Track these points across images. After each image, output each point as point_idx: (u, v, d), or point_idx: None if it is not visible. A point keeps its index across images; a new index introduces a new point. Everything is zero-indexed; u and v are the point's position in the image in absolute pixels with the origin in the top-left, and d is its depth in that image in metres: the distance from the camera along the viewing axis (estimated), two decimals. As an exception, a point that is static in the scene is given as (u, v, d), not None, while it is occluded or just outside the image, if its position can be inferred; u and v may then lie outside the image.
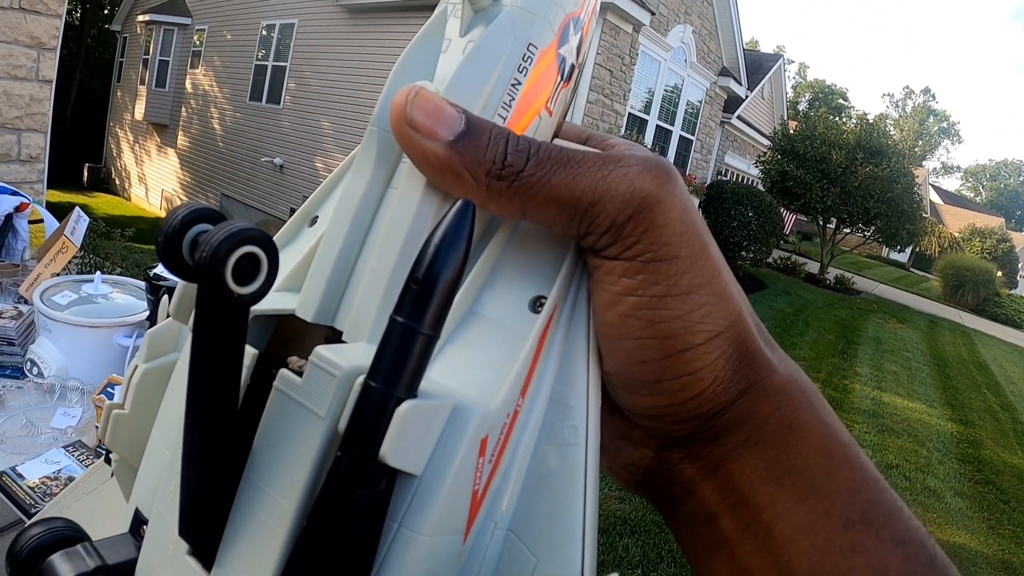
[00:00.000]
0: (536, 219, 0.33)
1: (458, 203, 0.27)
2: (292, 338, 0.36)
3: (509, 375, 0.32)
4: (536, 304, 0.34)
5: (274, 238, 0.38)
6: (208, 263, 0.24)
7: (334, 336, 0.34)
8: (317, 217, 0.40)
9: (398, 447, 0.25)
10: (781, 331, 10.68)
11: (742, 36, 14.93)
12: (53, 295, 2.11)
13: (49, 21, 6.05)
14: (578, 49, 0.38)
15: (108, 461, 0.40)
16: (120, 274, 4.70)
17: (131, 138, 18.61)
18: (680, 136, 13.77)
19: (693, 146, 14.42)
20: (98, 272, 2.23)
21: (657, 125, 12.85)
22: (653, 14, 11.32)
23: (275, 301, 0.35)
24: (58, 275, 2.49)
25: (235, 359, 0.27)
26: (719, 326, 0.33)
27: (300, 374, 0.29)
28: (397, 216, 0.34)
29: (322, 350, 0.28)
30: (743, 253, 14.27)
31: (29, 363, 2.00)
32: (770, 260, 17.32)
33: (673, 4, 12.52)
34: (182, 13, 16.83)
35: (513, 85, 0.34)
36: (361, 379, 0.26)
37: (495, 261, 0.35)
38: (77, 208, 3.10)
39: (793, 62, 72.01)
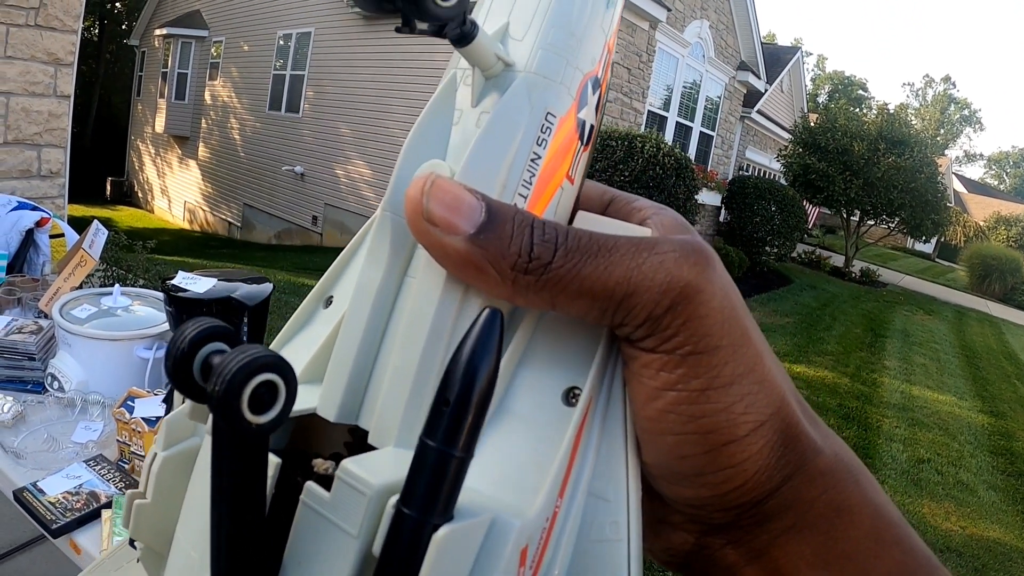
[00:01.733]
0: (567, 312, 0.31)
1: (485, 313, 0.25)
2: (316, 428, 0.35)
3: (547, 478, 0.30)
4: (570, 396, 0.32)
5: (289, 321, 0.39)
6: (223, 396, 0.23)
7: (358, 431, 0.33)
8: (332, 297, 0.38)
9: (437, 572, 0.24)
10: (808, 326, 10.62)
11: (759, 29, 14.84)
12: (72, 309, 2.11)
13: (65, 37, 6.10)
14: (597, 108, 0.36)
15: (132, 544, 0.38)
16: (143, 286, 4.73)
17: (152, 151, 18.80)
18: (700, 132, 13.72)
19: (714, 142, 14.38)
20: (116, 285, 2.23)
21: (677, 122, 12.81)
22: (669, 10, 11.28)
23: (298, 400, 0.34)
24: (77, 289, 2.50)
25: (256, 481, 0.26)
26: (763, 415, 0.31)
27: (326, 479, 0.28)
28: (417, 310, 0.32)
29: (349, 465, 0.27)
30: (767, 248, 14.21)
31: (50, 377, 2.00)
32: (794, 255, 17.19)
33: None
34: (199, 26, 16.97)
35: (533, 160, 0.32)
36: (394, 500, 0.25)
37: (524, 349, 0.33)
38: (95, 221, 3.11)
39: (811, 54, 71.76)
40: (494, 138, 0.32)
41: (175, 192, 17.74)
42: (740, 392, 0.30)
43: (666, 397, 0.30)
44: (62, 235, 5.02)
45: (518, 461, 0.31)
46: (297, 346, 0.39)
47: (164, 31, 17.18)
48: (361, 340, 0.33)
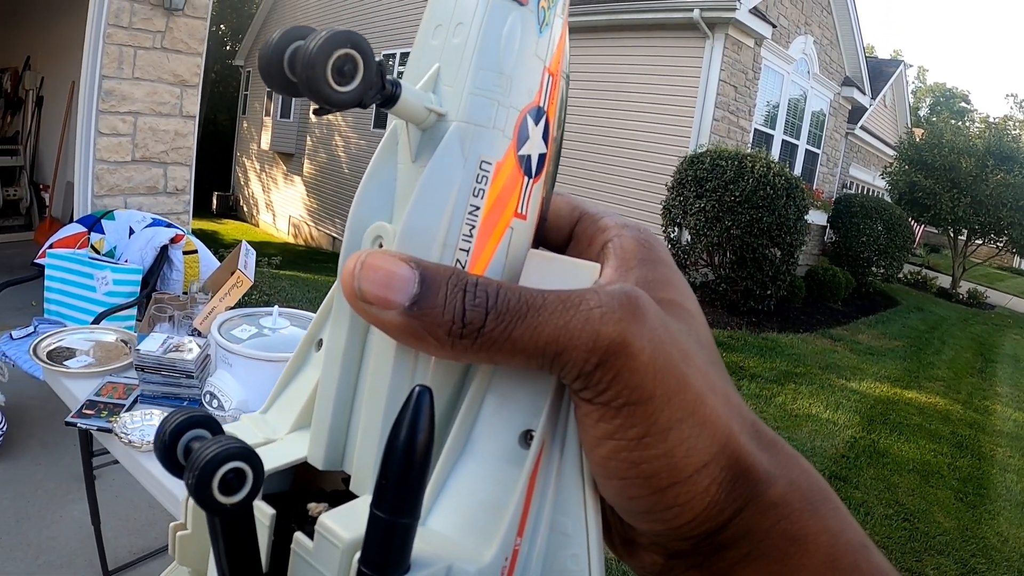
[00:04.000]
0: (508, 366, 0.32)
1: (415, 393, 0.27)
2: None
3: (504, 519, 0.32)
4: (526, 438, 0.33)
5: (287, 365, 0.42)
6: (196, 484, 0.27)
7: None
8: (323, 340, 0.39)
9: None
10: (916, 350, 10.33)
11: (863, 43, 14.53)
12: (231, 328, 2.15)
13: (190, 59, 6.34)
14: (546, 134, 0.36)
15: None
16: (268, 303, 4.86)
17: (257, 167, 19.30)
18: (806, 150, 13.45)
19: (819, 160, 14.08)
20: (276, 306, 2.28)
21: (783, 140, 12.59)
22: (774, 26, 11.11)
23: (290, 449, 0.37)
24: (232, 308, 2.60)
25: (245, 547, 0.30)
26: (707, 455, 0.31)
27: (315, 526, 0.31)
28: (378, 370, 0.34)
29: (326, 519, 0.30)
30: (873, 269, 13.84)
31: (208, 395, 2.05)
32: (900, 275, 16.73)
33: (793, 15, 12.26)
34: (305, 46, 17.33)
35: (471, 212, 0.33)
36: (358, 556, 0.28)
37: (484, 394, 0.34)
38: (244, 243, 3.22)
39: (912, 66, 69.51)
40: (429, 198, 0.32)
41: (280, 206, 18.17)
42: (679, 437, 0.31)
43: (607, 445, 0.31)
44: (195, 251, 5.23)
45: (479, 503, 0.33)
46: (291, 393, 0.41)
47: (270, 51, 17.64)
48: (335, 396, 0.36)
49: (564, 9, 0.36)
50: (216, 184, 20.24)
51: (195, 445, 0.28)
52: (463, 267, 0.33)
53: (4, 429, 3.67)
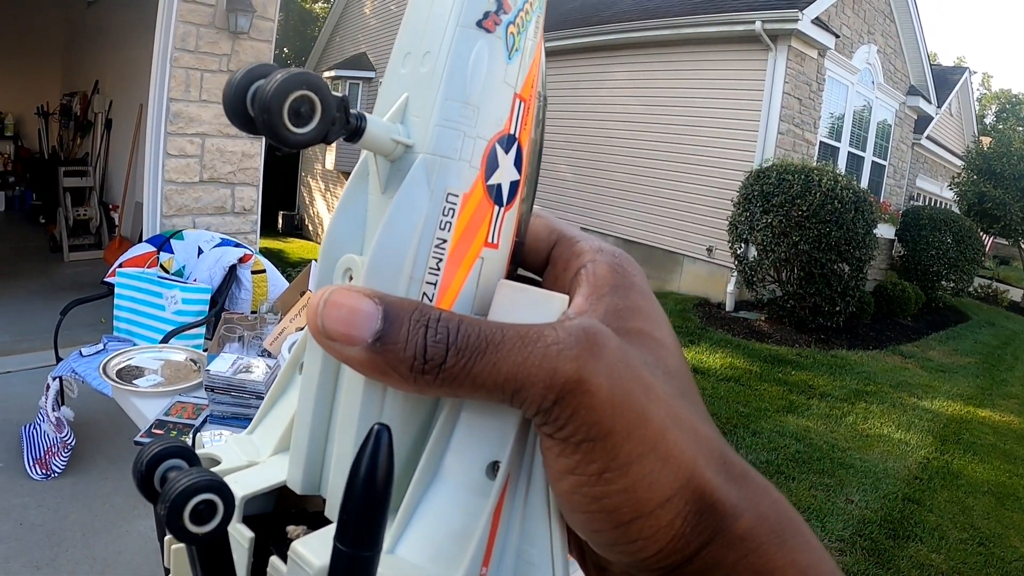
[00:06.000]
0: (471, 400, 0.33)
1: (373, 431, 0.28)
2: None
3: (469, 548, 0.32)
4: (493, 469, 0.34)
5: (272, 386, 0.43)
6: (167, 515, 0.28)
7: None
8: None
9: None
10: (989, 366, 10.08)
11: (928, 51, 14.25)
12: None
13: (256, 82, 6.46)
14: (518, 160, 0.36)
15: None
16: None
17: (322, 187, 19.59)
18: (872, 162, 13.22)
19: (886, 172, 13.82)
20: None
21: (849, 152, 12.39)
22: (837, 36, 10.97)
23: (271, 473, 0.38)
24: (302, 329, 2.60)
25: (220, 570, 0.32)
26: (670, 490, 0.31)
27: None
28: (348, 401, 0.34)
29: (298, 545, 0.32)
30: (942, 283, 13.52)
31: None
32: (970, 289, 16.33)
33: (856, 24, 12.09)
34: (366, 67, 17.64)
35: (438, 246, 0.33)
36: None
37: (453, 424, 0.34)
38: (313, 263, 3.26)
39: (976, 73, 68.16)
40: (395, 231, 0.32)
41: (342, 226, 18.42)
42: (641, 472, 0.31)
43: (568, 479, 0.31)
44: (263, 271, 5.30)
45: (446, 532, 0.33)
46: (276, 415, 0.42)
47: (332, 73, 17.93)
48: (311, 422, 0.36)
49: (537, 32, 0.36)
50: (282, 203, 20.57)
51: (171, 475, 0.30)
52: (431, 300, 0.33)
53: (73, 444, 3.75)
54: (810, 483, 5.05)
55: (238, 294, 5.01)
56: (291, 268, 8.53)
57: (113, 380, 2.49)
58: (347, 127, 0.31)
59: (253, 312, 3.59)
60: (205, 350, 3.12)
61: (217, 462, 0.39)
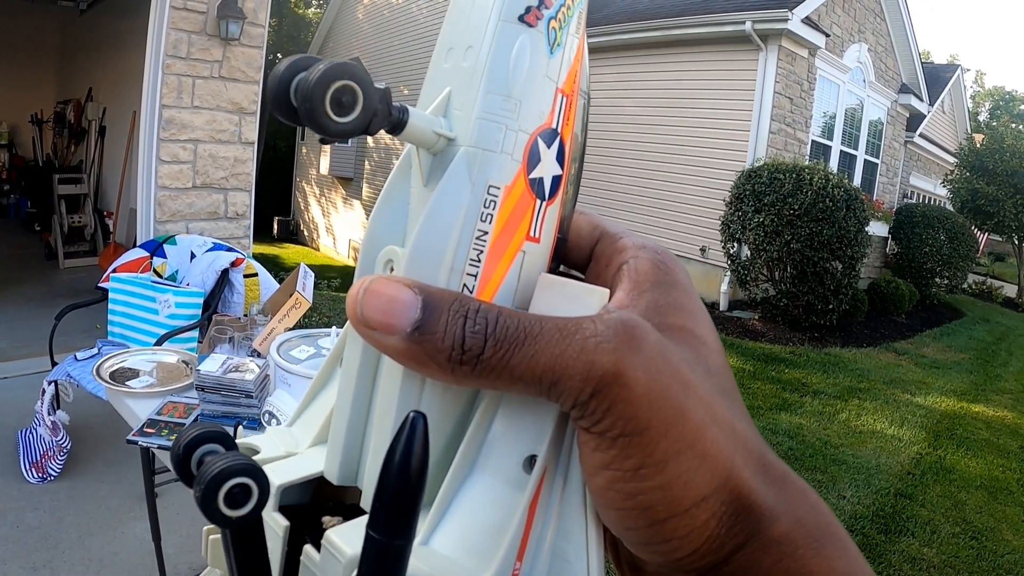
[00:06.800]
0: (508, 392, 0.33)
1: (409, 419, 0.27)
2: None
3: (504, 543, 0.32)
4: (530, 462, 0.34)
5: (314, 380, 0.43)
6: (202, 498, 0.28)
7: None
8: None
9: None
10: (983, 362, 10.08)
11: (919, 49, 14.28)
12: (290, 349, 2.20)
13: (248, 87, 6.48)
14: (560, 155, 0.36)
15: None
16: (327, 325, 4.92)
17: (317, 192, 19.59)
18: (865, 160, 13.24)
19: (878, 170, 13.84)
20: (334, 327, 2.31)
21: (841, 150, 12.42)
22: (828, 36, 10.99)
23: (308, 464, 0.39)
24: (291, 330, 2.63)
25: (255, 556, 0.32)
26: (706, 489, 0.31)
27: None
28: (386, 392, 0.35)
29: (331, 534, 0.32)
30: (936, 280, 13.54)
31: (267, 415, 2.08)
32: (964, 285, 16.34)
33: (846, 23, 12.11)
34: (359, 71, 17.62)
35: (479, 238, 0.33)
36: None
37: (491, 417, 0.34)
38: (302, 264, 3.27)
39: (969, 70, 68.21)
40: (436, 222, 0.32)
41: (340, 230, 18.39)
42: (677, 469, 0.30)
43: (603, 475, 0.31)
44: (255, 275, 5.31)
45: (481, 525, 0.33)
46: (316, 407, 0.43)
47: (326, 78, 17.94)
48: (349, 414, 0.36)
49: (579, 28, 0.36)
50: (277, 209, 20.56)
51: (207, 459, 0.30)
52: (471, 292, 0.33)
53: (69, 447, 3.77)
54: (803, 479, 5.07)
55: (231, 298, 5.02)
56: (285, 273, 8.53)
57: (107, 382, 2.51)
58: (389, 119, 0.31)
59: (245, 315, 3.60)
60: (198, 353, 3.15)
61: (256, 452, 0.40)
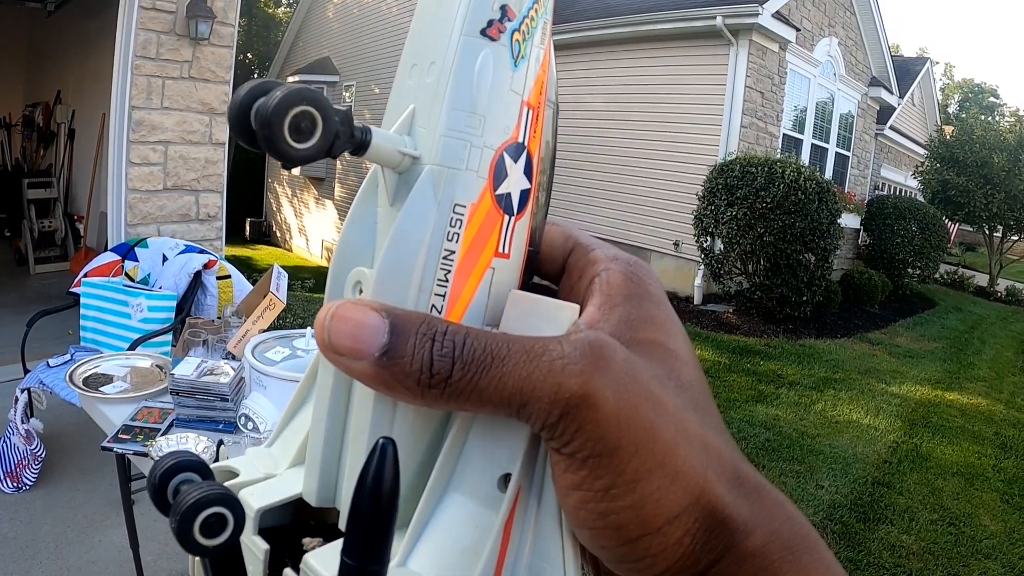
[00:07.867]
0: (479, 413, 0.33)
1: (378, 445, 0.28)
2: None
3: (480, 562, 0.32)
4: (505, 482, 0.33)
5: (291, 399, 0.43)
6: (177, 528, 0.29)
7: None
8: None
9: None
10: (956, 351, 10.19)
11: (888, 43, 14.41)
12: (265, 351, 2.17)
13: (218, 87, 6.44)
14: (528, 169, 0.35)
15: None
16: (303, 326, 4.91)
17: (289, 192, 19.50)
18: (836, 153, 13.35)
19: (850, 162, 13.96)
20: (309, 328, 2.29)
21: (812, 144, 12.51)
22: (798, 30, 11.06)
23: (288, 485, 0.38)
24: (266, 331, 2.61)
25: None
26: (679, 507, 0.31)
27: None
28: (359, 415, 0.35)
29: (310, 558, 0.33)
30: (909, 270, 13.67)
31: (243, 418, 2.06)
32: (936, 275, 16.51)
33: (816, 17, 12.21)
34: (330, 71, 17.59)
35: (446, 257, 0.33)
36: None
37: (465, 437, 0.34)
38: (276, 266, 3.25)
39: (938, 63, 68.85)
40: (402, 243, 0.32)
41: (312, 231, 18.32)
42: (649, 488, 0.30)
43: (575, 495, 0.31)
44: (228, 277, 5.28)
45: (456, 545, 0.33)
46: (294, 427, 0.42)
47: (296, 78, 17.81)
48: (324, 435, 0.36)
49: (544, 38, 0.35)
50: (249, 211, 20.46)
51: (183, 488, 0.30)
52: (440, 312, 0.33)
53: (43, 456, 3.72)
54: (780, 470, 5.10)
55: (204, 300, 4.99)
56: (258, 274, 8.48)
57: (80, 388, 2.48)
58: (352, 140, 0.31)
59: (219, 317, 3.58)
60: (172, 357, 3.12)
61: (235, 475, 0.39)
